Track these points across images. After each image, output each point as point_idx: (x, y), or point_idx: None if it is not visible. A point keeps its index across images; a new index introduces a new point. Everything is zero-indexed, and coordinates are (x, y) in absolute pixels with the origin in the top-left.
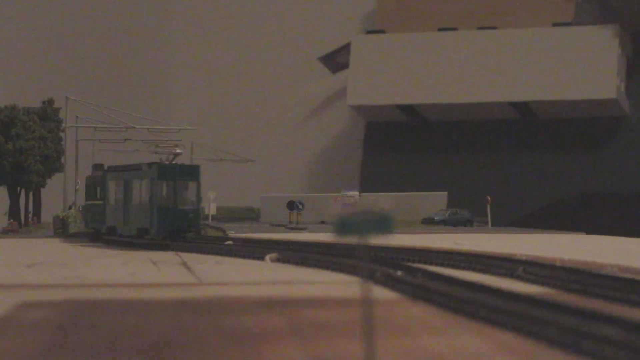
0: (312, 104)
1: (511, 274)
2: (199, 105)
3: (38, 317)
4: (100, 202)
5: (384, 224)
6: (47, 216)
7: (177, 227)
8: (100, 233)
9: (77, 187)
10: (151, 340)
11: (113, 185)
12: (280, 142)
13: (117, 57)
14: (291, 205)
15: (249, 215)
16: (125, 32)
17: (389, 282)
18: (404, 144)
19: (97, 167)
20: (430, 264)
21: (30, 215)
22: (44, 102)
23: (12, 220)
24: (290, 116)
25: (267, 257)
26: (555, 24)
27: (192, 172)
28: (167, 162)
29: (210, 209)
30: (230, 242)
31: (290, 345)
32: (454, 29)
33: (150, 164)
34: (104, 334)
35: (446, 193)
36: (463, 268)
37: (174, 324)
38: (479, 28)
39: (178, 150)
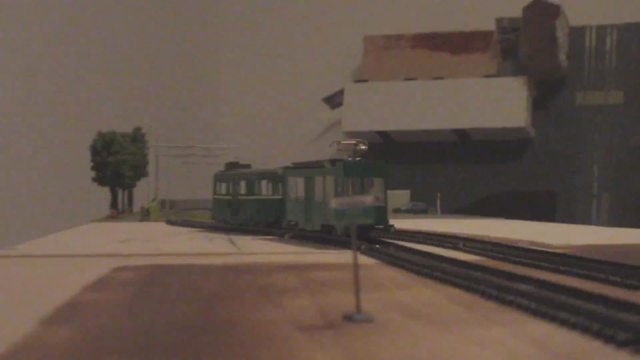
0: (319, 129)
1: (454, 247)
2: (243, 129)
3: (128, 277)
4: (227, 196)
5: (366, 212)
6: (136, 207)
7: (363, 224)
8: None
9: (157, 190)
10: (205, 292)
11: (293, 182)
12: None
13: (181, 94)
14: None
15: None
16: (186, 74)
17: (371, 252)
18: (380, 158)
19: (231, 165)
20: (399, 240)
21: (125, 206)
22: (134, 129)
23: (113, 210)
24: (306, 136)
25: (286, 236)
26: (485, 76)
27: (378, 169)
28: (351, 159)
29: None
30: (288, 235)
31: (302, 296)
32: (415, 79)
33: (333, 161)
34: (173, 288)
35: (409, 191)
36: (422, 243)
37: (221, 281)
38: (433, 78)
39: (362, 147)
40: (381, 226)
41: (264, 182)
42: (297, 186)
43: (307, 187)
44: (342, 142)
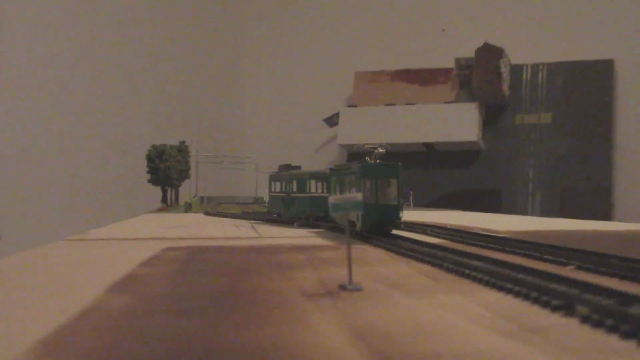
0: (320, 142)
1: (424, 232)
2: (263, 140)
3: (173, 255)
4: (280, 194)
5: (357, 205)
6: (181, 202)
7: (378, 221)
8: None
9: (197, 188)
10: (232, 267)
11: (333, 181)
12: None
13: (215, 113)
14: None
15: None
16: (219, 98)
17: (361, 238)
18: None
19: (283, 167)
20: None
21: (172, 201)
22: (179, 143)
23: (163, 204)
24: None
25: (295, 224)
26: (446, 102)
27: (392, 170)
28: (370, 162)
29: (267, 197)
30: (297, 223)
31: (308, 270)
32: (393, 104)
33: (358, 164)
34: (208, 264)
35: None
36: (399, 229)
37: (244, 259)
38: (407, 104)
39: (381, 150)
40: (397, 221)
41: (312, 182)
42: (335, 185)
43: (341, 187)
44: (365, 145)
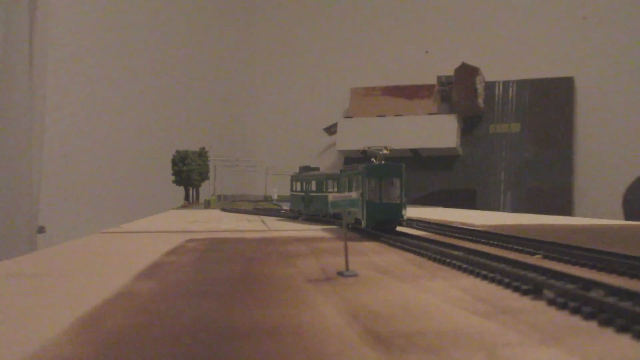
0: (321, 148)
1: (410, 226)
2: (273, 146)
3: (194, 245)
4: (301, 193)
5: (353, 202)
6: (201, 199)
7: (382, 219)
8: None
9: (215, 188)
10: (245, 256)
11: (344, 181)
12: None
13: (231, 122)
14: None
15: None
16: (234, 108)
17: (357, 231)
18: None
19: (303, 168)
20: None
21: (193, 199)
22: (200, 149)
23: (185, 202)
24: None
25: (300, 218)
26: (429, 114)
27: (395, 170)
28: (375, 162)
29: (275, 195)
30: (301, 217)
31: (310, 258)
32: (384, 115)
33: (363, 164)
34: (223, 253)
35: None
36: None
37: (254, 249)
38: (395, 115)
39: (385, 151)
40: (401, 219)
41: (329, 182)
42: (343, 185)
43: (349, 186)
44: (370, 148)
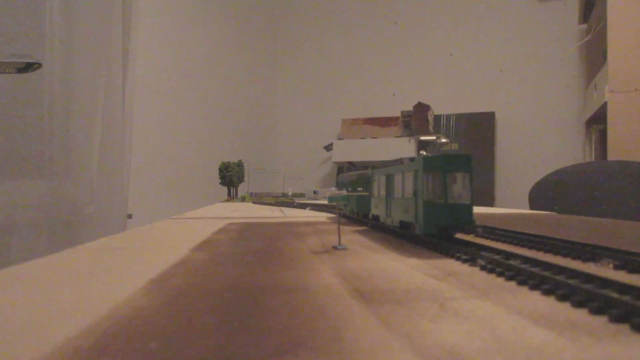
0: (321, 160)
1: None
2: (290, 157)
3: (233, 227)
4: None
5: (343, 198)
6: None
7: (445, 224)
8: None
9: (248, 187)
10: (267, 236)
11: (377, 179)
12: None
13: (258, 137)
14: (315, 192)
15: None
16: (260, 126)
17: (349, 220)
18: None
19: (347, 169)
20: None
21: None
22: (238, 160)
23: (228, 197)
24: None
25: (307, 208)
26: (396, 137)
27: (463, 163)
28: (431, 154)
29: (290, 193)
30: (308, 207)
31: (313, 237)
32: (364, 138)
33: (412, 157)
34: (253, 233)
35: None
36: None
37: (275, 230)
38: (372, 138)
39: (444, 140)
40: (470, 226)
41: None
42: (379, 183)
43: (388, 185)
44: (421, 137)
